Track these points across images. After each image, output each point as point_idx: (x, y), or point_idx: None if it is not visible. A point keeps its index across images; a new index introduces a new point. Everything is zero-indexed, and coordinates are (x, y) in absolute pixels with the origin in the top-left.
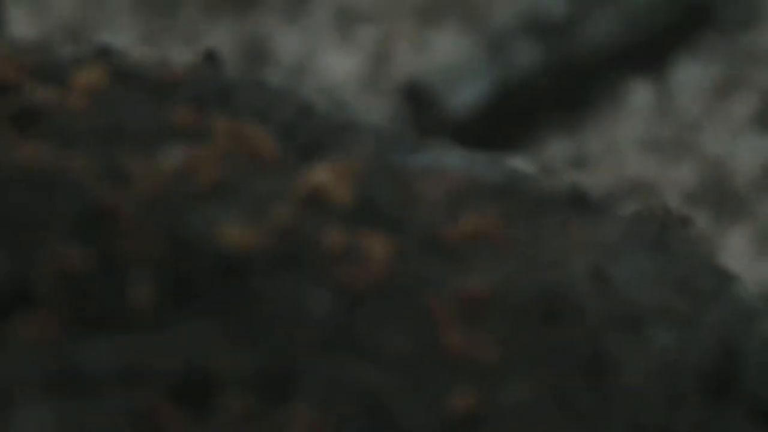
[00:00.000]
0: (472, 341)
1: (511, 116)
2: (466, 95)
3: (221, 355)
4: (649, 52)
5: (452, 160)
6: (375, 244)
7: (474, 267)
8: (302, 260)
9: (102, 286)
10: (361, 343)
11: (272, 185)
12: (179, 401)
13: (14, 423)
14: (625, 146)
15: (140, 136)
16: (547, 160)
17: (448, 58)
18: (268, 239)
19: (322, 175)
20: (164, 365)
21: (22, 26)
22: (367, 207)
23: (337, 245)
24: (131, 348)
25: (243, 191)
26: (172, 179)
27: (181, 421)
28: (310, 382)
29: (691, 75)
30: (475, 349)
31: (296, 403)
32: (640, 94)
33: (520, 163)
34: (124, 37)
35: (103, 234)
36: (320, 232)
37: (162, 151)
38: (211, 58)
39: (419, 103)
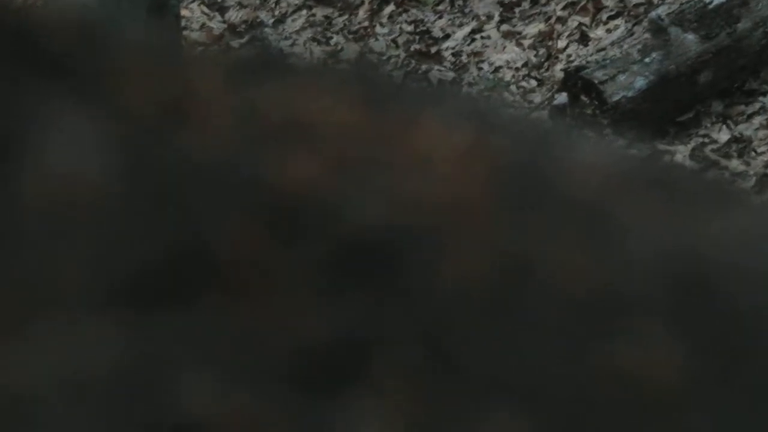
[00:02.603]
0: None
1: (671, 105)
2: (626, 85)
3: (381, 324)
4: None
5: (609, 149)
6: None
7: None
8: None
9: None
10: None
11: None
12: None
13: None
14: None
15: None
16: (705, 150)
17: (611, 48)
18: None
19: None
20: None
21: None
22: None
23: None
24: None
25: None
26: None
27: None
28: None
29: None
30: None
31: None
32: None
33: (677, 152)
34: (294, 30)
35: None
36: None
37: None
38: None
39: (580, 92)
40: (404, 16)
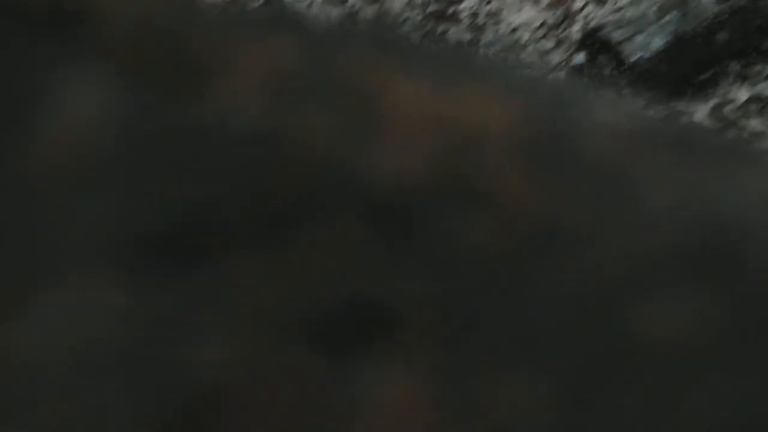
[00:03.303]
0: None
1: (688, 65)
2: (644, 45)
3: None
4: None
5: (626, 109)
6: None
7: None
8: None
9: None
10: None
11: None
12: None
13: None
14: None
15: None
16: (723, 110)
17: (628, 8)
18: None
19: (487, 110)
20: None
21: None
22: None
23: (503, 185)
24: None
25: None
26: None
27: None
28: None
29: None
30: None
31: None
32: None
33: (695, 112)
34: None
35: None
36: (487, 168)
37: None
38: None
39: (597, 52)
40: None
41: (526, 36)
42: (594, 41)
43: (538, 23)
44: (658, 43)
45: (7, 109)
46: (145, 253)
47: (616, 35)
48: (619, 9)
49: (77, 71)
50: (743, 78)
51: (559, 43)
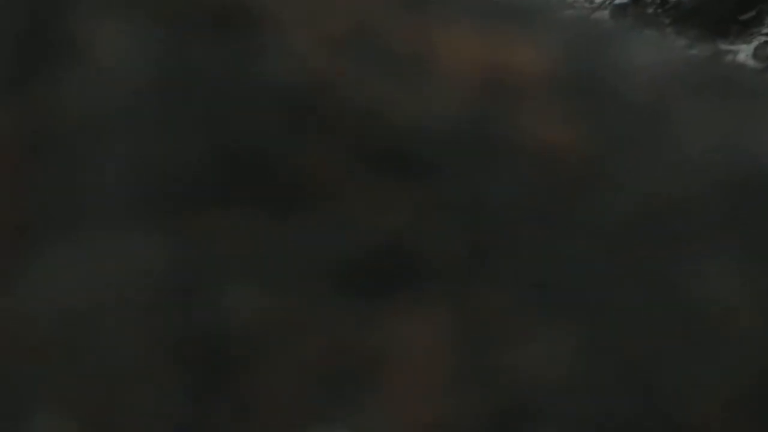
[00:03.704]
0: None
1: (732, 4)
2: None
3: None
4: None
5: (670, 49)
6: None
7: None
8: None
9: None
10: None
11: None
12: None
13: None
14: None
15: None
16: (767, 49)
17: None
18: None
19: (527, 54)
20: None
21: None
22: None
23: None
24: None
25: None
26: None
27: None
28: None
29: None
30: None
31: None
32: None
33: (740, 51)
34: None
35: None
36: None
37: None
38: None
39: None
40: None
41: None
42: None
43: None
44: None
45: (44, 53)
46: (173, 196)
47: None
48: None
49: (111, 17)
50: None
51: None
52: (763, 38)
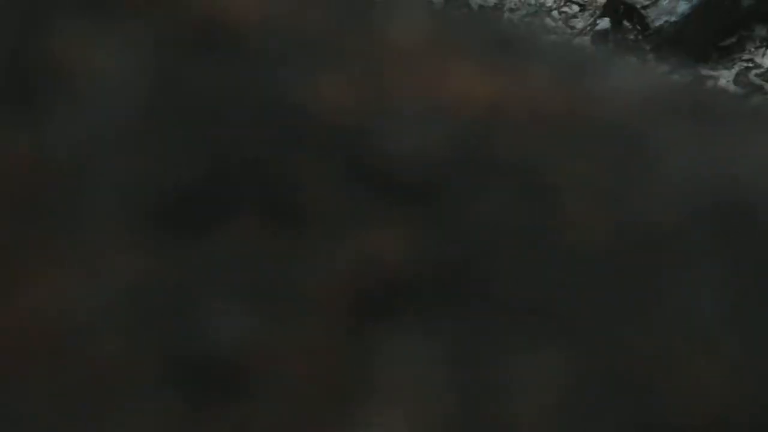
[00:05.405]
0: None
1: (713, 30)
2: (669, 9)
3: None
4: None
5: (651, 75)
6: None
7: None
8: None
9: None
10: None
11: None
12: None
13: None
14: None
15: None
16: (748, 75)
17: None
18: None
19: (507, 81)
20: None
21: None
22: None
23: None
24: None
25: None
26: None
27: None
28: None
29: None
30: None
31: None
32: None
33: (721, 77)
34: None
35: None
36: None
37: None
38: None
39: (622, 17)
40: None
41: (550, 1)
42: (619, 6)
43: None
44: (683, 7)
45: (29, 77)
46: (164, 217)
47: (642, 0)
48: None
49: (98, 36)
50: None
51: (583, 8)
52: (744, 64)
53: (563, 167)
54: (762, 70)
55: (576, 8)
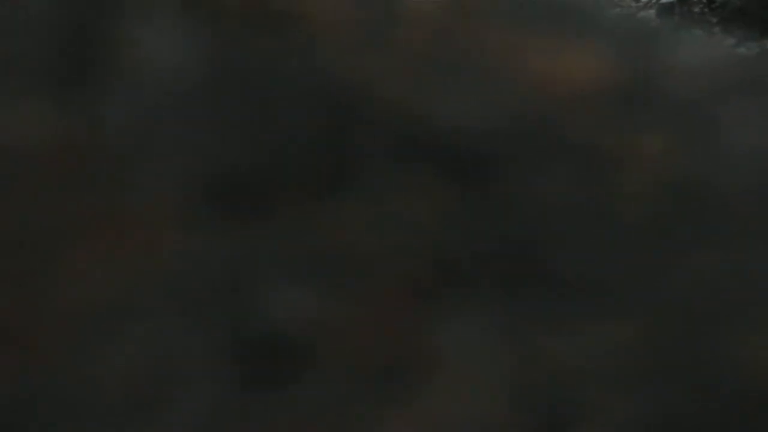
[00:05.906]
0: None
1: None
2: None
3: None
4: None
5: (717, 48)
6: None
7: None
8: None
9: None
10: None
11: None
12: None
13: None
14: None
15: None
16: None
17: None
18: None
19: (574, 57)
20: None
21: None
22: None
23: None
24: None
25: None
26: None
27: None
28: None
29: None
30: None
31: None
32: None
33: None
34: None
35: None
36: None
37: None
38: None
39: None
40: None
41: None
42: None
43: None
44: None
45: (88, 57)
46: (220, 195)
47: None
48: None
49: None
50: None
51: None
52: None
53: (628, 142)
54: None
55: None
